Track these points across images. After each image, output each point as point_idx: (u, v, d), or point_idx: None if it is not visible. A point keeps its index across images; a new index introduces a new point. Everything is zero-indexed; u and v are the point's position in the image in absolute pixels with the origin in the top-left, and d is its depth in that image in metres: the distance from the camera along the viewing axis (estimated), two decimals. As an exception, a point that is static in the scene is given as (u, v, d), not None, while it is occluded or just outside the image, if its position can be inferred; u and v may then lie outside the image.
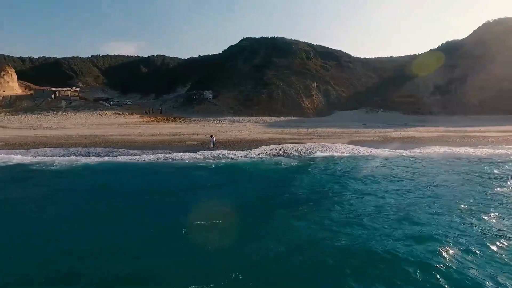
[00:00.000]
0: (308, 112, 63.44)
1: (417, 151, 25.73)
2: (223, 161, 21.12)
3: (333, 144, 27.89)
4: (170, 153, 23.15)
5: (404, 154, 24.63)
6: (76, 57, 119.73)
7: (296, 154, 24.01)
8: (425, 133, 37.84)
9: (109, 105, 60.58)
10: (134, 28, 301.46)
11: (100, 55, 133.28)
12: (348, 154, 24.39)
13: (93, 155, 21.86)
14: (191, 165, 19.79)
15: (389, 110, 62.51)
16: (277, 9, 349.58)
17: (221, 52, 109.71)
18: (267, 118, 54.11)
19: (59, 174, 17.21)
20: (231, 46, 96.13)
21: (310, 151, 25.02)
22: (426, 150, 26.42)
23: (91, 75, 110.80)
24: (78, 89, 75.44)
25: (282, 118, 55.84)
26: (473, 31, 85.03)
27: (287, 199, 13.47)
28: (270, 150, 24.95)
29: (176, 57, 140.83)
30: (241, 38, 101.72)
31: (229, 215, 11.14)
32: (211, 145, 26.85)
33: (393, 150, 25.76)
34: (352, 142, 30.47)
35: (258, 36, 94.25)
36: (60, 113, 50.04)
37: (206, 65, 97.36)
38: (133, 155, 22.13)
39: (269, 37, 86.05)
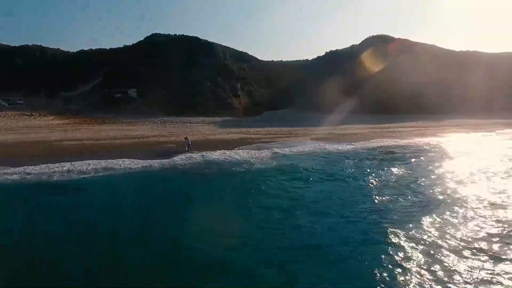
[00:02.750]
0: (238, 112, 64.98)
1: (376, 144, 30.61)
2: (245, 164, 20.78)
3: (312, 142, 30.47)
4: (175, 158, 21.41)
5: (368, 146, 29.09)
6: None
7: (296, 151, 25.31)
8: (358, 130, 44.41)
9: (6, 104, 48.44)
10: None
11: None
12: (337, 149, 27.08)
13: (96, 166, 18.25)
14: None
15: (311, 110, 69.40)
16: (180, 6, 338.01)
17: (122, 46, 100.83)
18: (207, 119, 53.20)
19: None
20: (142, 42, 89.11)
21: (309, 147, 26.91)
22: (380, 143, 31.64)
23: None
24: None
25: (219, 118, 55.75)
26: (358, 44, 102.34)
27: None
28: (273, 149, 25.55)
29: (59, 48, 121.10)
30: (149, 34, 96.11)
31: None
32: (186, 148, 25.63)
33: (356, 144, 30.00)
34: (315, 139, 33.61)
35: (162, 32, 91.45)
36: None
37: (112, 60, 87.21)
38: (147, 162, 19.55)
39: (190, 35, 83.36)
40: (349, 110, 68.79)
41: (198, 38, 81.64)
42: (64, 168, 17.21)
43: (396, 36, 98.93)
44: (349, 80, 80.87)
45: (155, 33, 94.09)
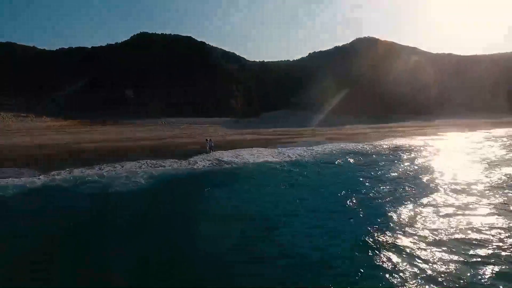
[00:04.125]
0: (236, 112, 64.50)
1: (391, 143, 31.50)
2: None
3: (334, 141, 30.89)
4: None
5: (385, 145, 29.90)
6: None
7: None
8: (362, 130, 45.53)
9: (-4, 105, 45.50)
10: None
11: None
12: (362, 148, 27.64)
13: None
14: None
15: (306, 111, 70.17)
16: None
17: (105, 45, 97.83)
18: (210, 120, 52.64)
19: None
20: (129, 41, 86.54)
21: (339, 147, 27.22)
22: (392, 142, 32.61)
23: None
24: None
25: (220, 119, 55.21)
26: (341, 45, 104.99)
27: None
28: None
29: (34, 46, 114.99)
30: (137, 33, 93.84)
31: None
32: (208, 149, 25.28)
33: (374, 143, 30.78)
34: (330, 139, 34.15)
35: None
36: None
37: (97, 59, 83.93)
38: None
39: (183, 35, 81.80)
40: (344, 111, 70.26)
41: (191, 37, 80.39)
42: (116, 169, 16.62)
43: (382, 39, 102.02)
44: (339, 80, 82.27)
45: (143, 32, 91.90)
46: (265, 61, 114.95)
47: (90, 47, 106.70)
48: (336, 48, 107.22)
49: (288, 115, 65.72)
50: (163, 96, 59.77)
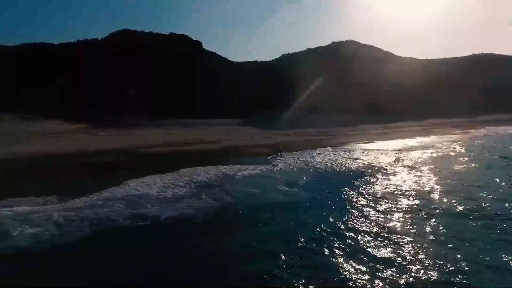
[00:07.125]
0: (234, 112, 62.58)
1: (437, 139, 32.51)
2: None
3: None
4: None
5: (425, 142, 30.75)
6: None
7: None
8: (376, 130, 47.08)
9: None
10: None
11: None
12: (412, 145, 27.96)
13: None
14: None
15: (301, 110, 69.99)
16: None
17: (75, 41, 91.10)
18: (218, 121, 50.76)
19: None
20: (112, 38, 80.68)
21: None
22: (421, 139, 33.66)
23: None
24: None
25: (223, 120, 53.41)
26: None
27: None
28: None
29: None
30: (118, 30, 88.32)
31: None
32: (278, 153, 24.16)
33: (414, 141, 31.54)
34: (371, 139, 34.54)
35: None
36: None
37: (79, 55, 76.64)
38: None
39: (178, 33, 77.39)
40: (328, 110, 70.88)
41: (187, 36, 76.57)
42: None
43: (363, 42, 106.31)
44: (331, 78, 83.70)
45: (125, 29, 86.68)
46: (234, 61, 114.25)
47: (57, 43, 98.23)
48: (308, 50, 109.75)
49: (293, 114, 64.82)
50: (163, 96, 56.29)
